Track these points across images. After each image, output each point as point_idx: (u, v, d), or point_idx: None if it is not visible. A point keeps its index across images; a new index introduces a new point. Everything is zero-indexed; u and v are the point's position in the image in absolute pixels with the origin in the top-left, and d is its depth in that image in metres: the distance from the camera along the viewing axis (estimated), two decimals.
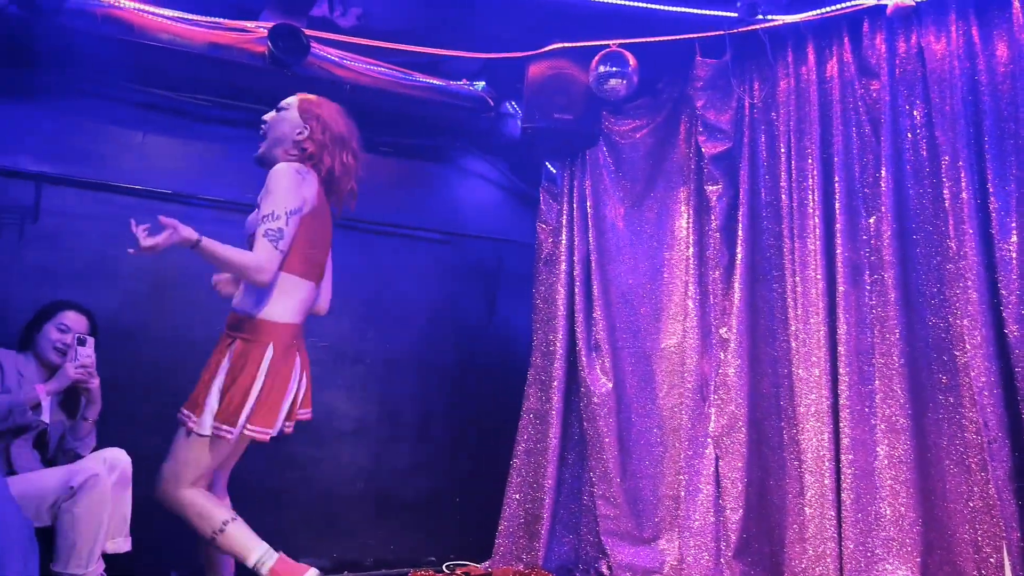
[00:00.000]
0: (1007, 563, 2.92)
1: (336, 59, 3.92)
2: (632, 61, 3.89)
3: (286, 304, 2.58)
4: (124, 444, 2.88)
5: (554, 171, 4.33)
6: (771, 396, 3.66)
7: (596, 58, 3.93)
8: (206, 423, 2.49)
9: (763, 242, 3.76)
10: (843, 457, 3.26)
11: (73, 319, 3.08)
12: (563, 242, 4.14)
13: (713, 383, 3.79)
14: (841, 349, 3.34)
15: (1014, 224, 3.04)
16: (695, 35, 3.84)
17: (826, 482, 3.28)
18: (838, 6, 3.57)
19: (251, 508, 3.77)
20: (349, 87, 3.93)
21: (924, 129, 3.33)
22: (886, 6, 3.39)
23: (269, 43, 3.62)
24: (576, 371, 4.01)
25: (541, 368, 4.09)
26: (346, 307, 4.21)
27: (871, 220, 3.42)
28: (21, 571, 2.38)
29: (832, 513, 3.26)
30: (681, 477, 3.78)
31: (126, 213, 3.69)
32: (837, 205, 3.47)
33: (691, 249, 3.98)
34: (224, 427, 2.48)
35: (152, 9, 3.58)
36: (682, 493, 3.75)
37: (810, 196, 3.56)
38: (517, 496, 3.97)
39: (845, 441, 3.27)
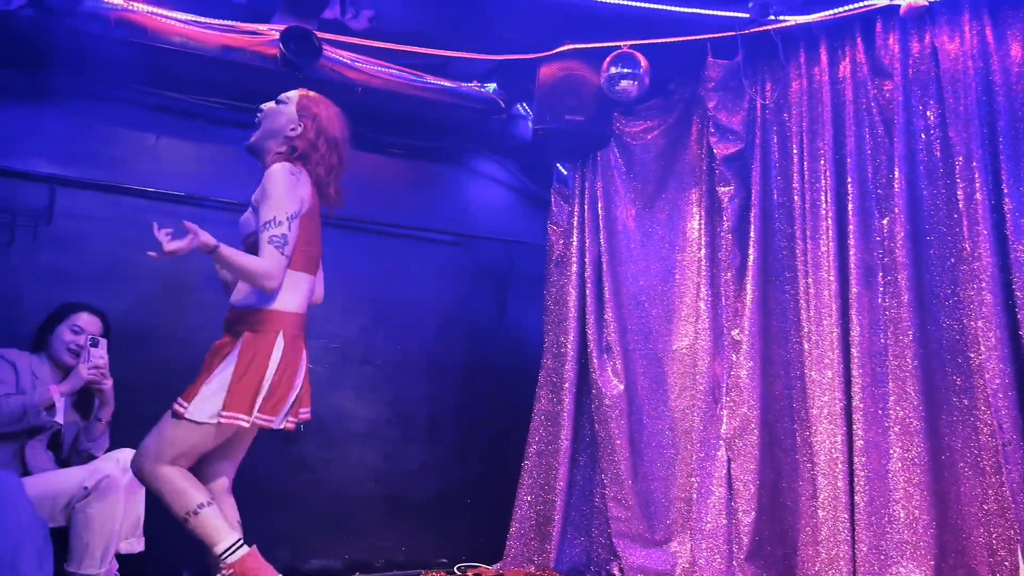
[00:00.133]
0: (1022, 566, 2.90)
1: (348, 61, 3.93)
2: (643, 62, 3.89)
3: (293, 296, 2.59)
4: (137, 445, 2.88)
5: (565, 172, 4.33)
6: (783, 398, 3.64)
7: (607, 59, 3.92)
8: (200, 410, 2.44)
9: (775, 243, 3.75)
10: (856, 459, 3.25)
11: (86, 320, 3.11)
12: (574, 243, 4.13)
13: (725, 385, 3.78)
14: (854, 351, 3.32)
15: None
16: (707, 36, 3.83)
17: (839, 484, 3.27)
18: (851, 6, 3.55)
19: (262, 510, 3.80)
20: (360, 89, 3.94)
21: (938, 129, 3.31)
22: (899, 6, 3.37)
23: (281, 46, 3.63)
24: (587, 373, 4.01)
25: (552, 370, 4.08)
26: (356, 308, 4.24)
27: (884, 221, 3.40)
28: (36, 571, 2.39)
29: (845, 516, 3.24)
30: (693, 479, 3.77)
31: (139, 215, 3.77)
32: (850, 206, 3.45)
33: (703, 250, 3.97)
34: (238, 416, 2.44)
35: (165, 12, 3.60)
36: (694, 495, 3.74)
37: (822, 197, 3.55)
38: (528, 498, 3.97)
39: (858, 443, 3.25)
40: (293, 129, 2.64)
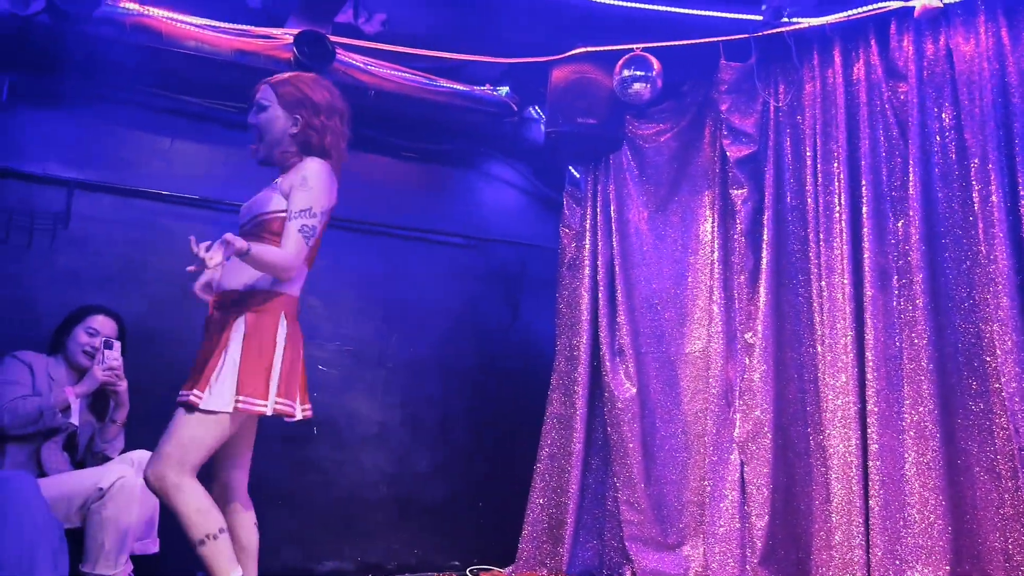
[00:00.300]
0: None
1: (361, 65, 3.94)
2: (656, 65, 3.88)
3: (294, 281, 2.49)
4: (152, 446, 2.87)
5: (577, 175, 4.33)
6: (797, 402, 3.63)
7: (620, 62, 3.92)
8: (218, 397, 2.28)
9: (789, 246, 3.74)
10: (871, 463, 3.23)
11: (102, 323, 3.12)
12: (587, 246, 4.13)
13: (738, 388, 3.77)
14: (869, 354, 3.31)
15: None
16: (720, 38, 3.83)
17: (853, 488, 3.25)
18: (865, 8, 3.54)
19: (274, 512, 3.82)
20: (373, 92, 3.96)
21: (953, 131, 3.29)
22: (914, 8, 3.35)
23: (295, 50, 3.65)
24: (600, 376, 4.00)
25: (565, 373, 4.08)
26: (369, 310, 4.25)
27: (899, 224, 3.39)
28: (51, 571, 2.41)
29: (859, 520, 3.22)
30: (706, 483, 3.75)
31: (154, 218, 3.80)
32: (864, 209, 3.44)
33: (716, 253, 3.96)
34: (255, 401, 2.30)
35: (180, 17, 3.63)
36: (707, 499, 3.73)
37: (836, 200, 3.53)
38: (541, 501, 3.96)
39: (873, 447, 3.23)
40: (294, 126, 2.52)
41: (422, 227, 4.42)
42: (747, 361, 3.75)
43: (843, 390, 3.36)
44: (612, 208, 4.12)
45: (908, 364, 3.25)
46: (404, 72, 4.07)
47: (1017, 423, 2.91)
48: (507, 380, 4.52)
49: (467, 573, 4.02)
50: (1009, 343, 2.97)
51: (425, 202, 4.47)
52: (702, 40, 3.83)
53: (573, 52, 4.02)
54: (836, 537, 3.27)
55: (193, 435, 2.29)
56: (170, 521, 2.87)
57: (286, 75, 2.61)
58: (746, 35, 3.78)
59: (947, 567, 3.05)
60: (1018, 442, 2.90)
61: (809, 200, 3.65)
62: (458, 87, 4.22)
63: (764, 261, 3.74)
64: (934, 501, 3.10)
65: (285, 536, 3.88)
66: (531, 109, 4.45)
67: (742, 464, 3.69)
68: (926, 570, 3.07)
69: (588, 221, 4.17)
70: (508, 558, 3.99)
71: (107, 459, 3.02)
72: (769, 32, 3.73)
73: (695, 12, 3.73)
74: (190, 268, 2.35)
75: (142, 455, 2.88)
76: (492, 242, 4.62)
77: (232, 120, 3.99)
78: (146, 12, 3.56)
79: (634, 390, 3.92)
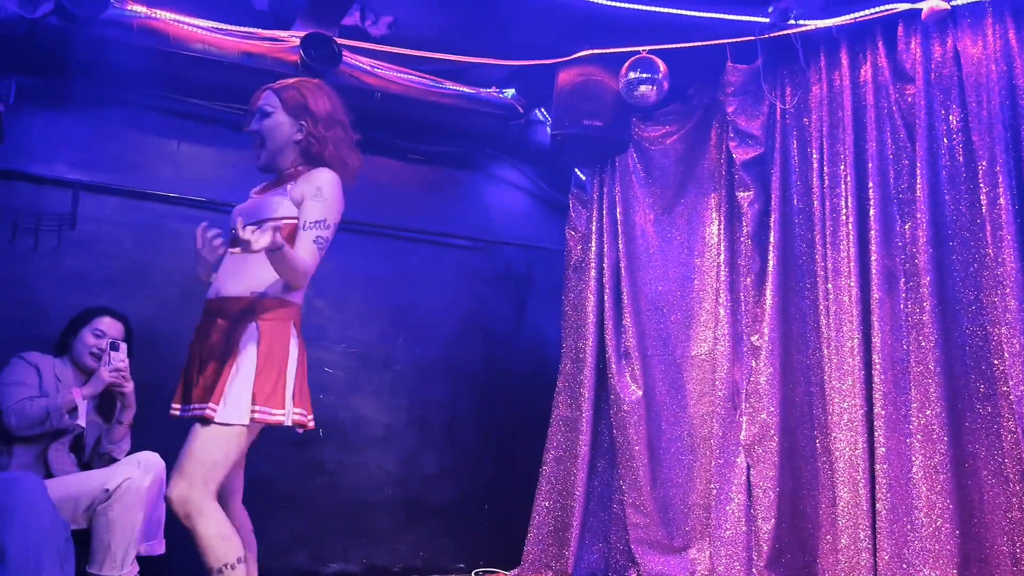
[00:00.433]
0: None
1: (367, 67, 3.95)
2: (662, 67, 3.88)
3: (301, 289, 2.45)
4: (158, 448, 2.91)
5: (583, 178, 4.33)
6: (804, 404, 3.62)
7: (626, 64, 3.91)
8: (234, 409, 2.22)
9: (795, 248, 3.73)
10: (878, 467, 3.21)
11: (108, 324, 3.13)
12: (592, 249, 4.13)
13: (744, 391, 3.76)
14: (876, 357, 3.30)
15: None
16: (726, 41, 3.82)
17: (860, 492, 3.23)
18: (872, 10, 3.53)
19: (281, 514, 3.83)
20: (379, 95, 3.96)
21: (960, 134, 3.28)
22: (921, 10, 3.34)
23: (301, 52, 3.66)
24: (606, 378, 4.00)
25: (571, 375, 4.07)
26: (375, 313, 4.25)
27: (906, 226, 3.38)
28: (57, 573, 2.41)
29: (866, 523, 3.21)
30: (712, 486, 3.74)
31: (160, 220, 3.81)
32: (871, 211, 3.42)
33: (722, 256, 3.95)
34: (272, 411, 2.25)
35: (187, 19, 3.64)
36: (713, 502, 3.72)
37: (843, 202, 3.52)
38: (547, 503, 3.96)
39: (880, 450, 3.22)
40: (298, 132, 2.46)
41: (428, 229, 4.42)
42: (753, 364, 3.74)
43: (850, 393, 3.35)
44: (618, 210, 4.12)
45: (915, 367, 3.24)
46: (410, 74, 4.08)
47: None
48: (513, 382, 4.52)
49: (473, 575, 4.02)
50: (1017, 346, 2.96)
51: (431, 204, 4.47)
52: (708, 42, 3.82)
53: (579, 54, 4.02)
54: (843, 540, 3.26)
55: (214, 450, 2.21)
56: (177, 522, 2.89)
57: (290, 80, 2.56)
58: (752, 37, 3.77)
59: (954, 571, 3.04)
60: None
61: (816, 202, 3.64)
62: (464, 89, 4.23)
63: (771, 264, 3.73)
64: (941, 504, 3.09)
65: (292, 538, 3.88)
66: (537, 111, 4.45)
67: (748, 467, 3.68)
68: (933, 574, 3.06)
69: (594, 223, 4.16)
70: (514, 560, 3.98)
71: (113, 460, 3.03)
72: (775, 34, 3.72)
73: (701, 14, 3.73)
74: (234, 250, 2.22)
75: (148, 456, 2.89)
76: (498, 244, 4.62)
77: (239, 122, 3.96)
78: (153, 14, 3.57)
79: (640, 393, 3.91)
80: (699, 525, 3.79)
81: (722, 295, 3.90)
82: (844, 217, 3.51)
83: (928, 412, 3.17)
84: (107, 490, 2.75)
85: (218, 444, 2.22)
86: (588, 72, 4.02)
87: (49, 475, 2.88)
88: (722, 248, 3.96)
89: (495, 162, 4.68)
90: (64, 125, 3.71)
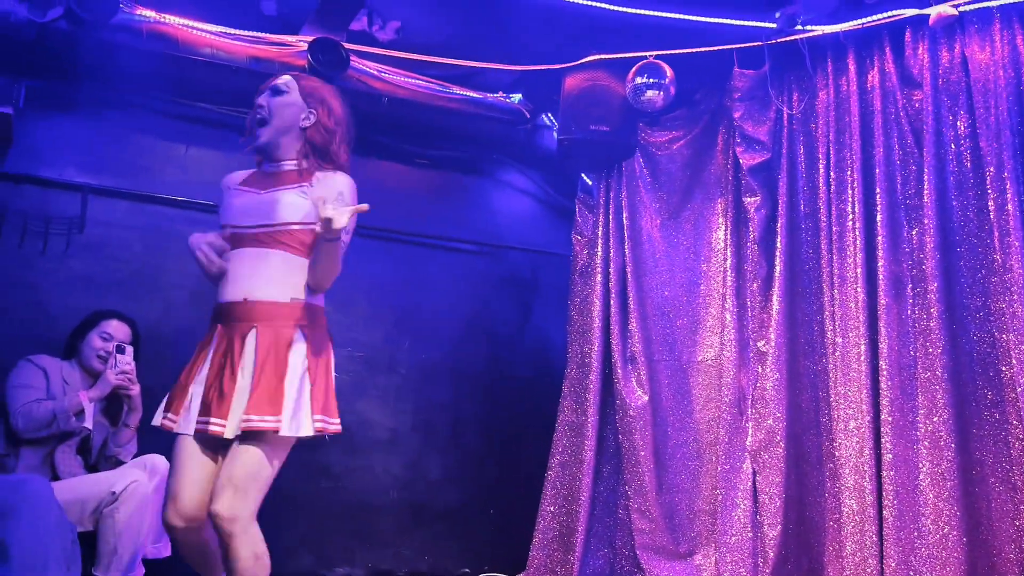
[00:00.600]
0: None
1: (374, 72, 3.96)
2: (669, 72, 3.88)
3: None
4: (165, 451, 2.90)
5: (590, 182, 4.33)
6: (810, 410, 3.61)
7: (633, 69, 3.92)
8: (299, 421, 2.15)
9: (802, 254, 3.72)
10: (885, 474, 3.20)
11: (116, 327, 3.15)
12: (599, 254, 4.12)
13: (751, 397, 3.75)
14: (883, 363, 3.28)
15: None
16: (733, 46, 3.82)
17: (867, 499, 3.22)
18: (879, 16, 3.52)
19: (286, 517, 3.83)
20: (387, 100, 3.98)
21: (968, 140, 3.27)
22: (929, 16, 3.34)
23: (309, 57, 3.67)
24: (612, 383, 3.99)
25: (576, 380, 4.07)
26: (381, 316, 4.26)
27: (913, 232, 3.37)
28: (64, 575, 2.42)
29: (873, 530, 3.19)
30: (718, 492, 3.73)
31: (168, 224, 3.82)
32: (878, 217, 3.42)
33: (728, 261, 3.95)
34: (331, 420, 2.24)
35: (196, 24, 3.66)
36: (719, 508, 3.71)
37: (850, 208, 3.51)
38: (552, 508, 3.95)
39: (887, 457, 3.20)
40: (305, 118, 2.40)
41: (434, 234, 4.43)
42: (760, 369, 3.73)
43: (856, 399, 3.34)
44: (624, 215, 4.11)
45: (923, 373, 3.23)
46: (417, 79, 4.09)
47: None
48: (519, 387, 4.52)
49: None
50: None
51: (437, 209, 4.48)
52: (715, 48, 3.82)
53: (586, 59, 4.03)
54: (848, 547, 3.24)
55: (268, 466, 2.14)
56: None
57: (312, 76, 2.59)
58: (759, 43, 3.77)
59: None
60: None
61: (823, 208, 3.64)
62: (471, 94, 4.24)
63: (777, 269, 3.73)
64: (948, 512, 3.07)
65: (297, 541, 3.89)
66: (544, 116, 4.46)
67: (754, 473, 3.67)
68: None
69: (600, 228, 4.16)
70: (519, 565, 3.98)
71: (120, 463, 3.04)
72: (783, 40, 3.72)
73: (708, 20, 3.73)
74: (317, 228, 2.13)
75: (155, 459, 2.90)
76: (504, 249, 4.62)
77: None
78: (162, 19, 3.59)
79: (646, 398, 3.91)
80: (705, 531, 3.78)
81: (728, 300, 3.89)
82: (851, 223, 3.50)
83: (935, 419, 3.15)
84: (114, 493, 2.76)
85: (277, 458, 2.17)
86: (595, 77, 4.02)
87: (56, 477, 2.89)
88: (729, 253, 3.96)
89: (502, 167, 4.69)
90: (73, 129, 3.72)
